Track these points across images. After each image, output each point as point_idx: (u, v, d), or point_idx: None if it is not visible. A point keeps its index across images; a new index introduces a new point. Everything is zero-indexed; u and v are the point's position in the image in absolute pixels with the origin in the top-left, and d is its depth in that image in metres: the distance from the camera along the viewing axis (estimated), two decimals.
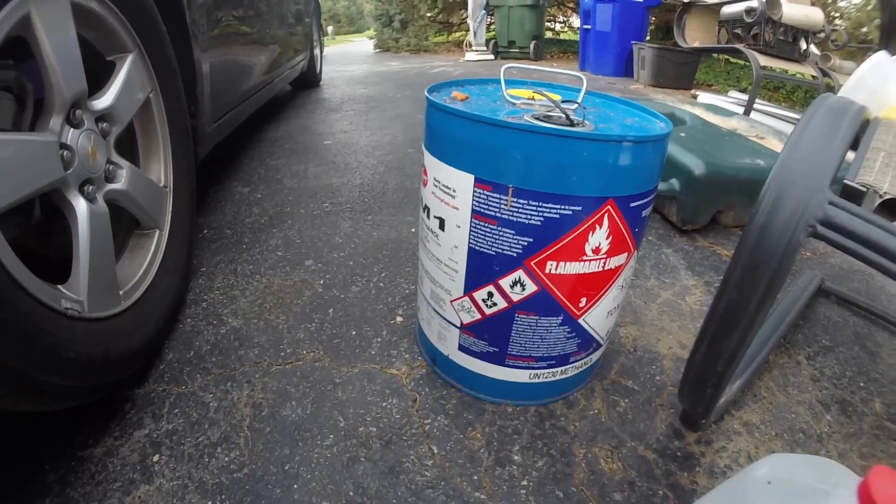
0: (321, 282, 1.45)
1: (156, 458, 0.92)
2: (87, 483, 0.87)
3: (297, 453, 0.93)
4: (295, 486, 0.87)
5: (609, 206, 0.79)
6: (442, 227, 0.90)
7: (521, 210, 0.79)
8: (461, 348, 1.00)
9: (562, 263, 0.83)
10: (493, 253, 0.85)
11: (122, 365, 0.96)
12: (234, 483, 0.87)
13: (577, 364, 1.00)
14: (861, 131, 0.80)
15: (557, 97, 1.02)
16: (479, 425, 0.99)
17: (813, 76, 3.82)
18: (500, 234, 0.82)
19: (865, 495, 0.43)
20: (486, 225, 0.82)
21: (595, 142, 0.74)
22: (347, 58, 7.88)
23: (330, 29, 17.22)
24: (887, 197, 0.71)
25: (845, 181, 0.72)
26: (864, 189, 0.71)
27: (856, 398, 1.10)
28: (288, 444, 0.95)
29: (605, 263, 0.85)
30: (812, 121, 0.75)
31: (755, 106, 3.50)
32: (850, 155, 0.79)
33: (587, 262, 0.83)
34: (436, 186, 0.88)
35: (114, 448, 0.93)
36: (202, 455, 0.92)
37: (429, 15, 9.16)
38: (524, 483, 0.89)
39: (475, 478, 0.89)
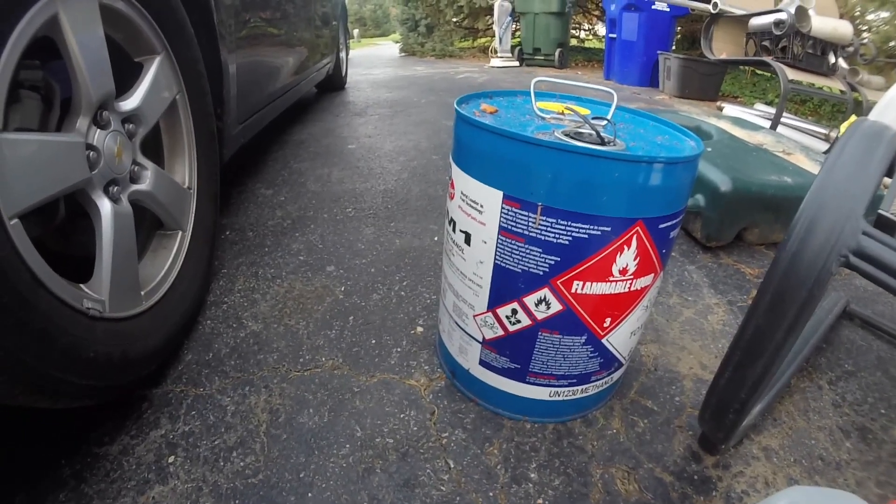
0: (342, 288, 1.45)
1: (171, 459, 0.92)
2: (102, 480, 0.87)
3: (313, 461, 0.93)
4: (309, 494, 0.87)
5: (638, 228, 0.78)
6: (468, 241, 0.89)
7: (549, 229, 0.78)
8: (482, 363, 0.99)
9: (588, 283, 0.82)
10: (520, 270, 0.84)
11: (139, 365, 0.96)
12: (248, 488, 0.87)
13: (597, 383, 0.99)
14: None
15: (587, 111, 1.01)
16: (496, 441, 0.98)
17: (841, 90, 3.78)
18: (528, 251, 0.81)
19: None
20: (514, 242, 0.82)
21: (626, 162, 0.73)
22: (373, 61, 7.91)
23: (356, 32, 17.31)
24: None
25: (879, 211, 0.71)
26: None
27: (876, 425, 1.09)
28: (304, 452, 0.94)
29: (631, 284, 0.84)
30: (847, 147, 0.74)
31: (782, 120, 3.46)
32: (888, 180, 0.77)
33: (614, 283, 0.82)
34: (463, 200, 0.88)
35: (130, 447, 0.93)
36: (217, 458, 0.92)
37: (454, 20, 9.17)
38: (539, 502, 0.88)
39: (491, 494, 0.88)
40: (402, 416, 1.03)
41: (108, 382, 0.88)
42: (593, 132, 0.83)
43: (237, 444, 0.95)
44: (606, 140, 0.82)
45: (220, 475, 0.89)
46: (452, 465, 0.93)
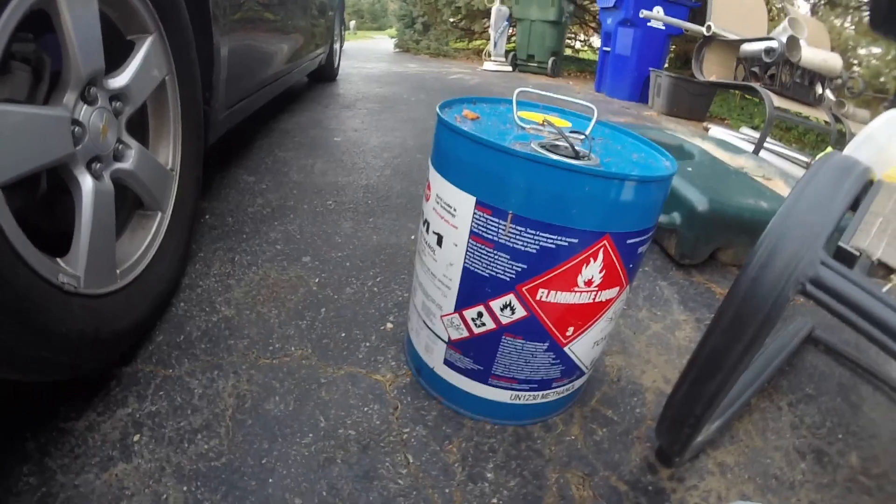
0: (316, 280, 1.46)
1: (136, 437, 0.92)
2: (67, 455, 0.88)
3: (276, 448, 0.94)
4: (270, 480, 0.88)
5: (605, 242, 0.80)
6: (440, 243, 0.91)
7: (518, 236, 0.80)
8: (447, 363, 1.01)
9: (553, 292, 0.84)
10: (487, 275, 0.86)
11: (112, 343, 0.96)
12: (210, 471, 0.88)
13: (558, 389, 1.01)
14: (863, 193, 0.81)
15: (567, 124, 1.03)
16: (456, 439, 1.00)
17: (826, 121, 3.84)
18: (496, 257, 0.83)
19: None
20: (483, 247, 0.84)
21: (598, 178, 0.75)
22: (367, 54, 7.89)
23: (352, 24, 17.23)
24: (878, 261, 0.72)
25: (839, 244, 0.73)
26: (858, 253, 0.72)
27: (833, 449, 1.11)
28: (267, 438, 0.95)
29: (596, 296, 0.86)
30: (814, 178, 0.76)
31: (766, 145, 3.51)
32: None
33: (578, 293, 0.85)
34: (437, 203, 0.90)
35: (96, 423, 0.94)
36: (182, 440, 0.93)
37: (451, 20, 9.18)
38: (494, 501, 0.90)
39: (447, 491, 0.90)
40: (365, 409, 1.04)
41: (79, 359, 0.88)
42: (569, 145, 0.85)
43: (202, 426, 0.96)
44: (581, 154, 0.84)
45: (183, 456, 0.90)
46: (411, 460, 0.95)
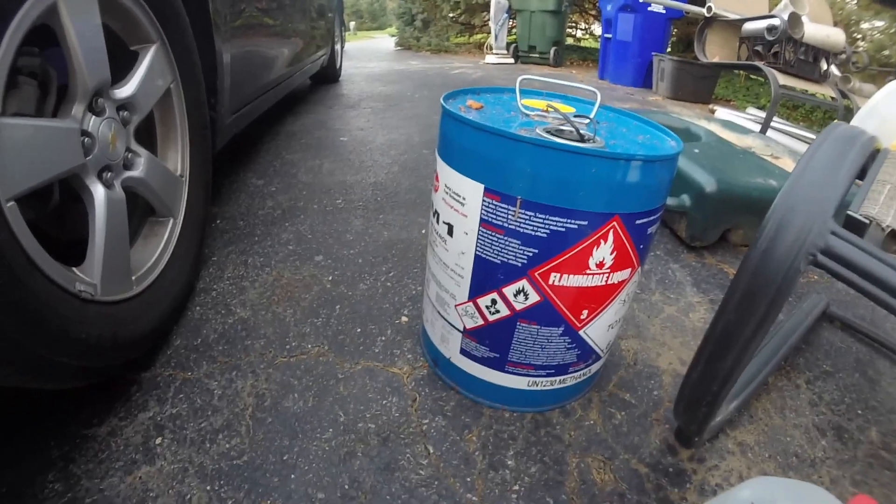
0: (330, 278, 1.47)
1: (158, 440, 0.94)
2: (91, 461, 0.89)
3: (297, 444, 0.95)
4: (292, 476, 0.89)
5: (615, 223, 0.80)
6: (450, 232, 0.92)
7: (527, 222, 0.80)
8: (463, 352, 1.02)
9: (565, 276, 0.84)
10: (499, 262, 0.86)
11: (129, 348, 0.98)
12: (233, 469, 0.89)
13: (575, 374, 1.01)
14: (869, 162, 0.81)
15: (572, 110, 1.03)
16: (475, 428, 1.01)
17: (832, 97, 3.81)
18: (507, 243, 0.84)
19: None
20: (493, 234, 0.84)
21: (602, 159, 0.75)
22: (368, 54, 7.90)
23: (352, 24, 17.25)
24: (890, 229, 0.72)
25: (848, 212, 0.73)
26: (868, 221, 0.72)
27: (852, 425, 1.11)
28: (288, 435, 0.96)
29: (608, 278, 0.86)
30: (820, 149, 0.76)
31: (772, 124, 3.49)
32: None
33: (590, 276, 0.85)
34: (446, 193, 0.90)
35: (118, 428, 0.95)
36: (204, 440, 0.94)
37: (451, 15, 9.17)
38: (516, 488, 0.90)
39: (468, 479, 0.91)
40: (384, 402, 1.05)
41: (98, 364, 0.89)
42: (574, 129, 0.85)
43: (223, 426, 0.97)
44: (586, 137, 0.84)
45: (205, 456, 0.91)
46: (432, 451, 0.95)
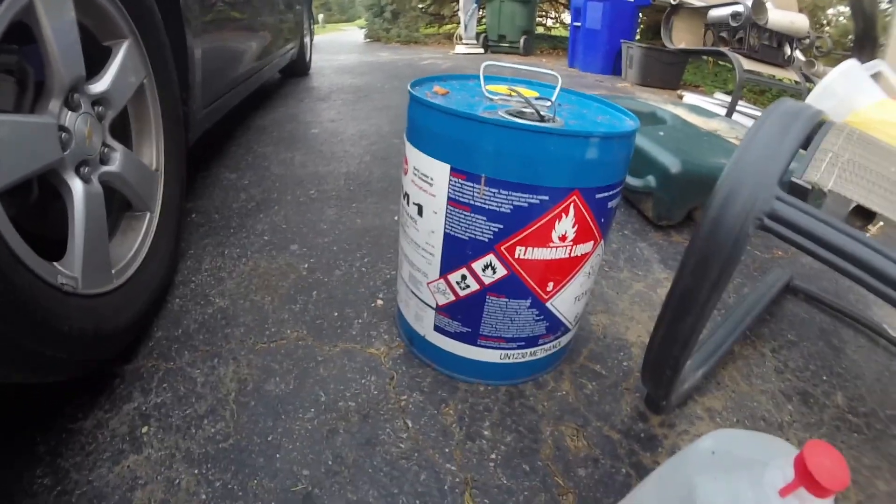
0: (306, 265, 1.49)
1: (144, 429, 0.95)
2: (78, 454, 0.90)
3: (280, 425, 0.97)
4: (277, 455, 0.92)
5: (575, 197, 0.84)
6: (420, 213, 0.95)
7: (492, 198, 0.84)
8: (436, 329, 1.05)
9: (530, 249, 0.88)
10: (467, 238, 0.90)
11: (111, 340, 0.99)
12: (219, 452, 0.92)
13: (545, 346, 1.05)
14: (814, 133, 0.85)
15: (535, 94, 1.07)
16: (452, 402, 1.04)
17: (796, 81, 3.89)
18: (473, 220, 0.87)
19: (801, 466, 0.47)
20: (461, 211, 0.88)
21: (561, 137, 0.79)
22: (337, 47, 7.84)
23: (321, 17, 17.11)
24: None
25: (792, 179, 0.78)
26: (810, 186, 0.76)
27: (818, 390, 1.15)
28: (271, 417, 0.99)
29: (571, 250, 0.90)
30: (765, 123, 0.80)
31: (739, 108, 3.56)
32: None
33: (554, 249, 0.89)
34: (415, 175, 0.93)
35: (104, 421, 0.97)
36: (189, 427, 0.96)
37: (420, 6, 9.14)
38: (493, 457, 0.94)
39: (447, 450, 0.94)
40: (363, 381, 1.08)
41: (81, 357, 0.90)
42: (535, 111, 0.89)
43: (207, 412, 1.00)
44: (546, 118, 0.88)
45: (192, 442, 0.93)
46: (411, 425, 0.99)
